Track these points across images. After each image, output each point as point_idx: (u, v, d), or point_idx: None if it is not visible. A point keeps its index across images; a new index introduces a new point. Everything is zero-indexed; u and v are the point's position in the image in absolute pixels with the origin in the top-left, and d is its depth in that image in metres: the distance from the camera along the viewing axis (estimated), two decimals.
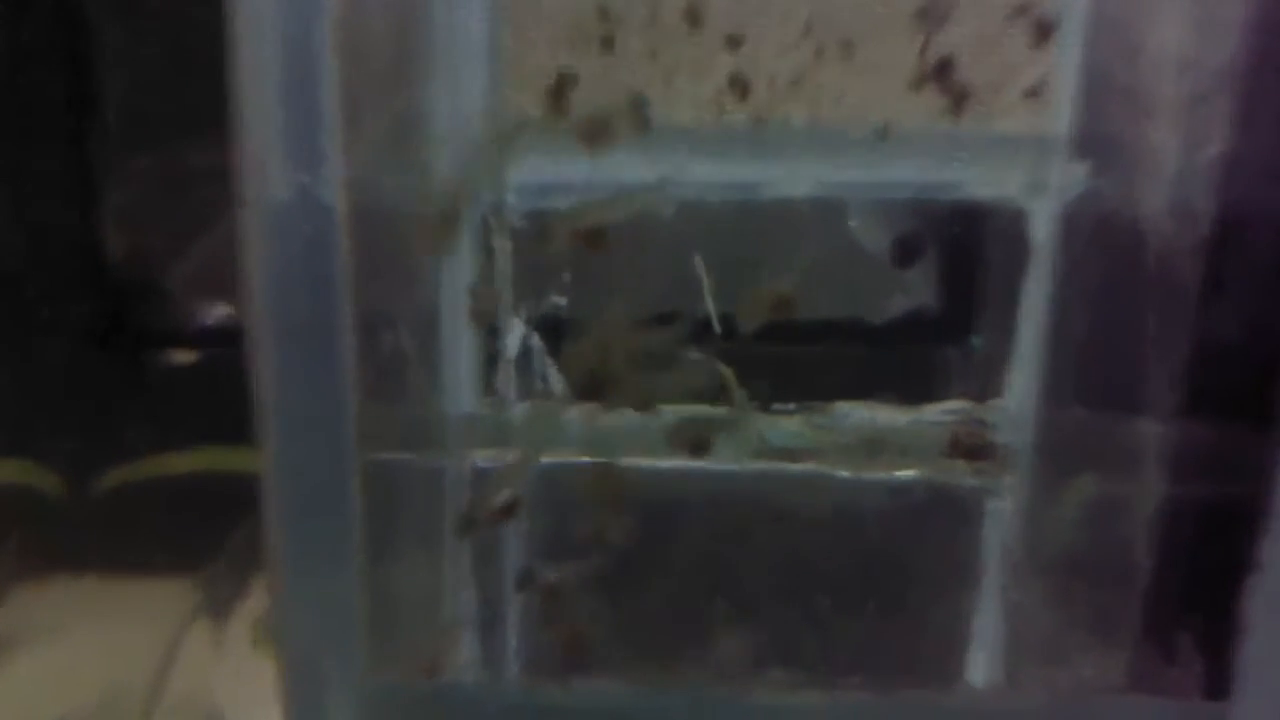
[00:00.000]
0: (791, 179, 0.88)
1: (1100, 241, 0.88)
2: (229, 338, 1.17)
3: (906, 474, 0.94)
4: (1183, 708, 0.83)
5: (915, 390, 0.94)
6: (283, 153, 0.69)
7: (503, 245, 0.91)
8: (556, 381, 0.94)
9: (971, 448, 0.92)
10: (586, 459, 0.93)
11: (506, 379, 0.94)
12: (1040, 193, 0.88)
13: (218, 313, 1.22)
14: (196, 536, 1.20)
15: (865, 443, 0.93)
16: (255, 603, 1.18)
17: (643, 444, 0.93)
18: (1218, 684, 0.80)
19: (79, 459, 1.22)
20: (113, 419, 1.21)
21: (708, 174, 0.89)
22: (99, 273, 1.19)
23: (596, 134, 0.85)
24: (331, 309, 0.71)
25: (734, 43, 0.86)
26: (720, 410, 0.92)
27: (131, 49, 1.15)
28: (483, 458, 0.95)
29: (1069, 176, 0.87)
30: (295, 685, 0.77)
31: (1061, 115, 0.87)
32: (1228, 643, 0.78)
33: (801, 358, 0.94)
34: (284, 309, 0.71)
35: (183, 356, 1.23)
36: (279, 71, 0.68)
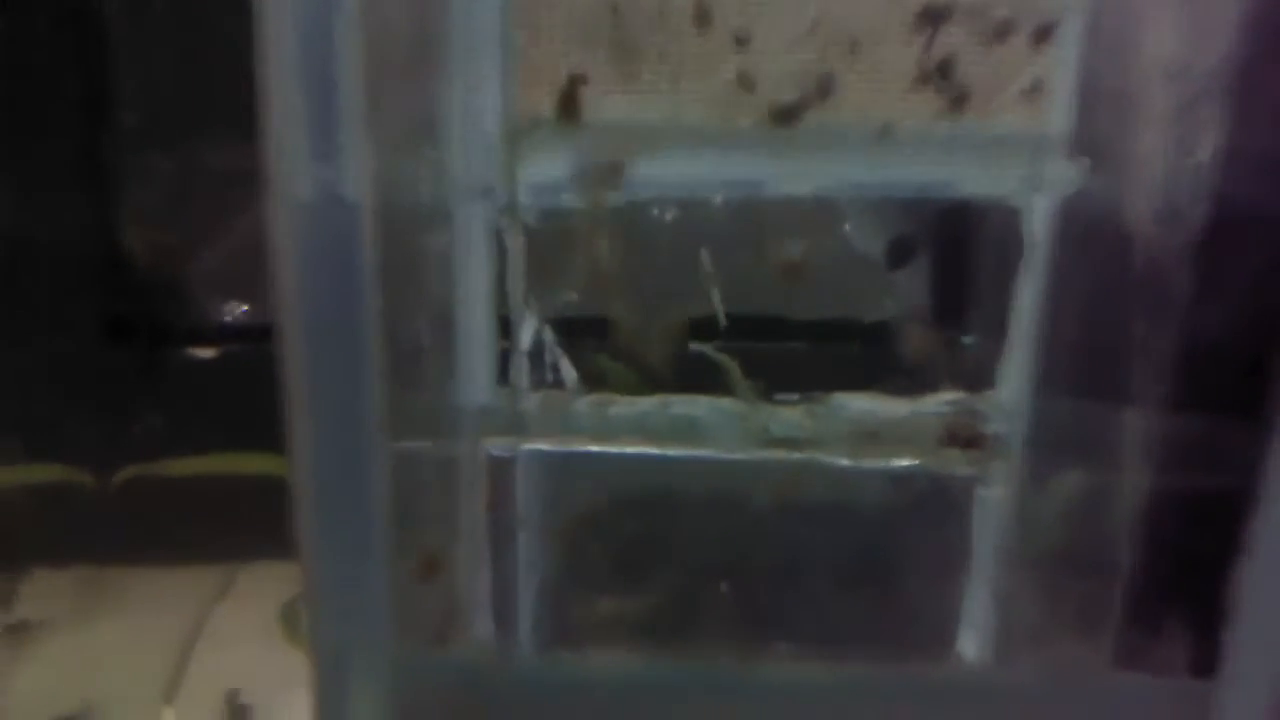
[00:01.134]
0: (796, 177, 0.91)
1: (1094, 238, 0.90)
2: (248, 334, 1.19)
3: (903, 462, 0.96)
4: (1170, 685, 0.85)
5: (912, 382, 0.96)
6: (307, 148, 0.71)
7: (516, 243, 0.93)
8: (568, 372, 0.96)
9: (966, 437, 0.94)
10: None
11: (520, 371, 0.96)
12: (1036, 190, 0.90)
13: (237, 310, 1.23)
14: (219, 527, 1.22)
15: (864, 433, 0.95)
16: (281, 590, 1.20)
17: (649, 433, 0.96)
18: (1205, 664, 0.82)
19: (99, 453, 1.23)
20: (132, 413, 1.23)
21: (714, 171, 0.91)
22: (118, 269, 1.20)
23: None
24: (357, 303, 0.73)
25: (741, 42, 0.88)
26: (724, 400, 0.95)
27: (151, 43, 1.16)
28: (496, 446, 0.98)
29: (1064, 174, 0.89)
30: (324, 670, 0.79)
31: (1058, 115, 0.89)
32: (1215, 625, 0.80)
33: (803, 351, 0.96)
34: (310, 304, 0.73)
35: (202, 353, 1.24)
36: (301, 68, 0.70)
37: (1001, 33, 0.87)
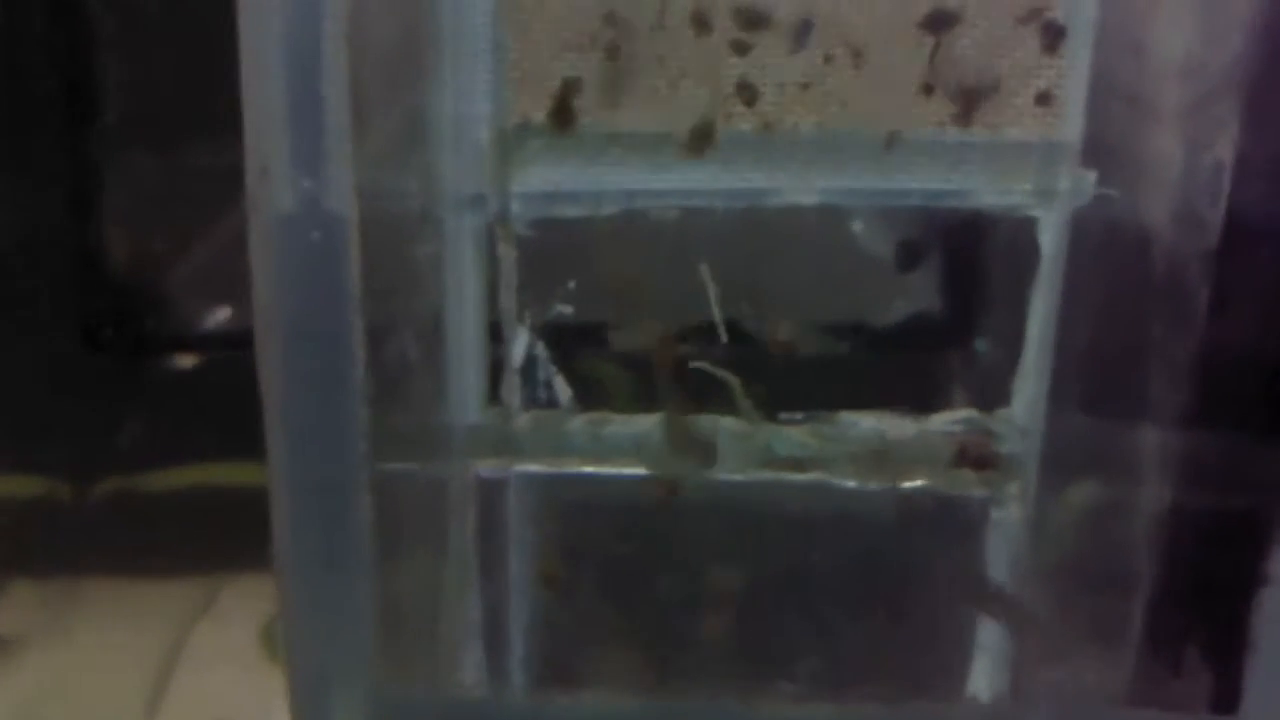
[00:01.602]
0: (799, 186, 0.88)
1: (1108, 249, 0.87)
2: (231, 341, 1.17)
3: (913, 484, 0.93)
4: None
5: (922, 398, 0.93)
6: (289, 158, 0.69)
7: (508, 253, 0.91)
8: (562, 390, 0.93)
9: (979, 457, 0.92)
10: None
11: (511, 388, 0.93)
12: (1049, 200, 0.88)
13: (220, 316, 1.21)
14: (201, 541, 1.20)
15: (872, 453, 0.93)
16: (263, 608, 1.18)
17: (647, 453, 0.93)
18: (1225, 698, 0.80)
19: (80, 464, 1.21)
20: (111, 423, 1.21)
21: (714, 181, 0.88)
22: (98, 275, 1.18)
23: None
24: (341, 317, 0.71)
25: (741, 48, 0.85)
26: (727, 419, 0.92)
27: (134, 44, 1.14)
28: (486, 467, 0.95)
29: (1078, 183, 0.87)
30: (303, 695, 0.77)
31: (1071, 122, 0.86)
32: (1235, 656, 0.78)
33: (808, 366, 0.94)
34: (292, 317, 0.71)
35: (184, 360, 1.22)
36: (285, 76, 0.68)
37: (1010, 39, 0.84)
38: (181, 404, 1.21)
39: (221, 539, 1.16)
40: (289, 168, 0.69)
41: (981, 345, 0.94)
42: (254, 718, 1.13)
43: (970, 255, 0.93)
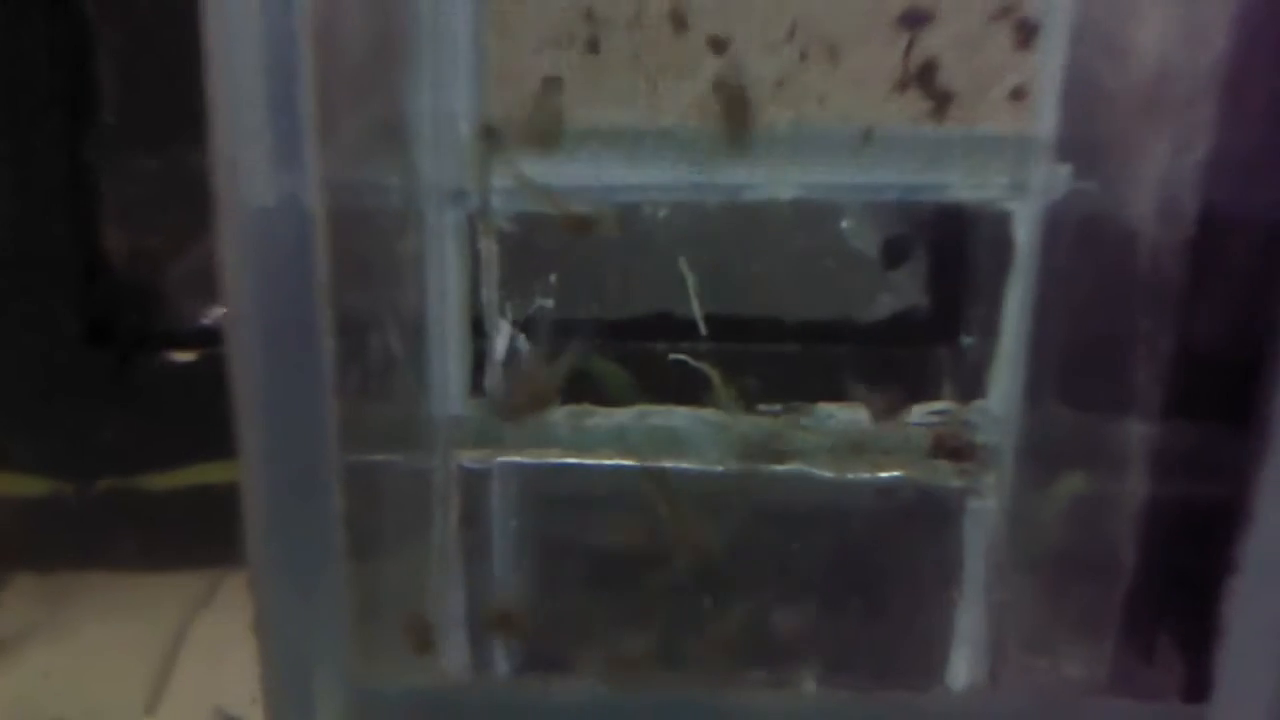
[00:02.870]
0: (775, 181, 0.89)
1: (1083, 243, 0.88)
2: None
3: (890, 475, 0.94)
4: (1161, 710, 0.83)
5: (900, 390, 0.94)
6: (261, 155, 0.69)
7: (489, 248, 0.91)
8: None
9: (955, 448, 0.92)
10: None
11: (494, 380, 0.94)
12: (1023, 195, 0.88)
13: (220, 313, 1.22)
14: (201, 534, 1.20)
15: (849, 444, 0.93)
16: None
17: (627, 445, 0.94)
18: (1197, 686, 0.80)
19: (81, 459, 1.22)
20: (114, 419, 1.21)
21: (692, 176, 0.89)
22: (99, 272, 1.18)
23: None
24: (311, 312, 0.71)
25: (719, 45, 0.86)
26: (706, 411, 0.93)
27: (129, 45, 1.14)
28: (469, 459, 0.95)
29: (1052, 178, 0.87)
30: (277, 685, 0.77)
31: (1045, 117, 0.87)
32: (1207, 644, 0.78)
33: (786, 358, 0.94)
34: (263, 312, 0.71)
35: (185, 357, 1.22)
36: (257, 72, 0.68)
37: (984, 35, 0.85)
38: (182, 400, 1.21)
39: (222, 533, 1.16)
40: (261, 164, 0.70)
41: (959, 337, 0.94)
42: (253, 709, 1.14)
43: (947, 249, 0.93)
